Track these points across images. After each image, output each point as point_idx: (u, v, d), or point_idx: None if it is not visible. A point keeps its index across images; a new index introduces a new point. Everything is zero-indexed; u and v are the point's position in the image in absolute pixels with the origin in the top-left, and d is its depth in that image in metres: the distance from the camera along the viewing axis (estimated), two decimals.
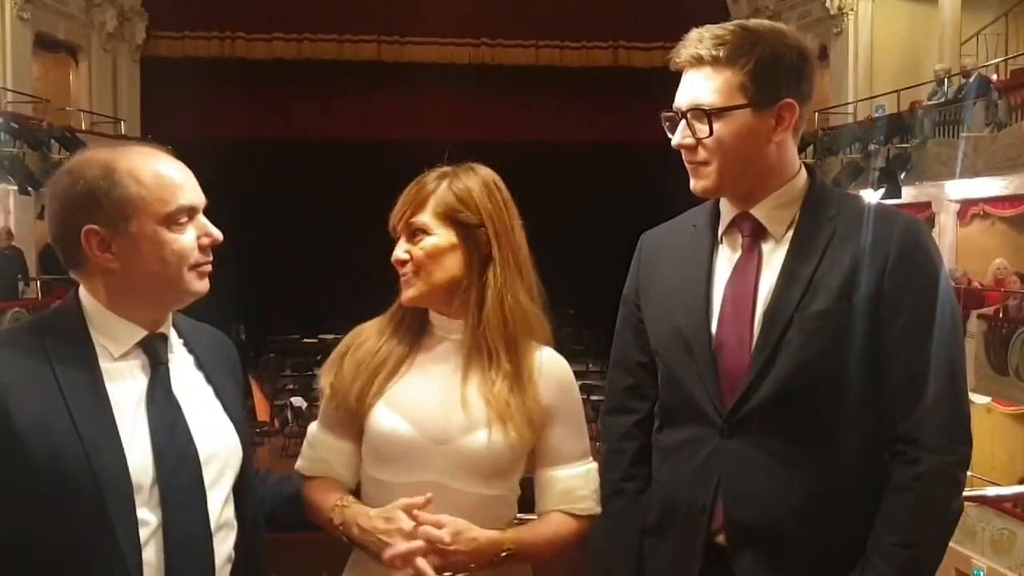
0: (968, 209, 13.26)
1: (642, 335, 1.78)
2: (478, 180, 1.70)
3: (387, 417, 1.67)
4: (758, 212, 1.67)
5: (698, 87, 1.61)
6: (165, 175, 1.50)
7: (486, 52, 18.16)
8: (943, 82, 13.19)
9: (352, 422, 1.72)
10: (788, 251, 1.64)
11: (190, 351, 1.61)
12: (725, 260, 1.70)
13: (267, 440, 13.85)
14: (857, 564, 1.58)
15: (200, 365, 1.61)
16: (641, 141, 11.62)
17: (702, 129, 1.61)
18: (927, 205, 13.38)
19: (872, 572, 1.55)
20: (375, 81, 17.79)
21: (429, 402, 1.66)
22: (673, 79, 1.69)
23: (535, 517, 1.74)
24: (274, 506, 1.78)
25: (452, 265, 1.67)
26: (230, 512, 1.57)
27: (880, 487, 1.59)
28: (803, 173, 1.70)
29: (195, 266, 1.52)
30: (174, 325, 1.59)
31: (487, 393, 1.65)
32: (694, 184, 1.67)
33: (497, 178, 1.73)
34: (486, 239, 1.68)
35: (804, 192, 1.68)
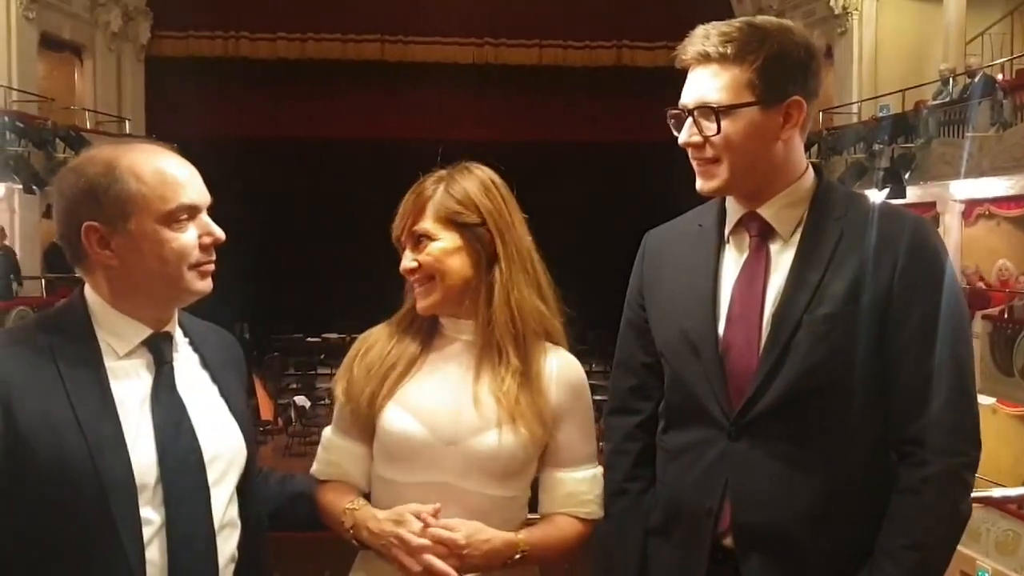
0: (973, 209, 13.22)
1: (646, 336, 1.77)
2: (475, 180, 1.70)
3: (398, 417, 1.66)
4: (766, 212, 1.66)
5: (705, 84, 1.60)
6: (167, 172, 1.49)
7: (489, 52, 18.17)
8: (948, 82, 13.17)
9: (365, 425, 1.71)
10: (796, 252, 1.63)
11: (195, 350, 1.61)
12: (732, 260, 1.69)
13: (270, 439, 13.86)
14: (865, 566, 1.57)
15: (205, 364, 1.61)
16: (645, 141, 11.61)
17: (709, 127, 1.60)
18: (932, 205, 13.35)
19: (880, 574, 1.54)
20: (378, 81, 17.82)
21: (440, 402, 1.66)
22: (677, 79, 1.68)
23: (538, 516, 1.74)
24: (277, 505, 1.77)
25: (461, 267, 1.67)
26: (234, 511, 1.57)
27: (888, 489, 1.58)
28: (810, 172, 1.68)
29: (196, 265, 1.51)
30: (180, 324, 1.59)
31: (497, 391, 1.64)
32: (701, 184, 1.65)
33: (494, 176, 1.73)
34: (489, 238, 1.67)
35: (812, 192, 1.67)
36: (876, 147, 13.52)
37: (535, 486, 1.74)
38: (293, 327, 17.47)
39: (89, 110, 16.04)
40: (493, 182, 1.71)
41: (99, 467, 1.39)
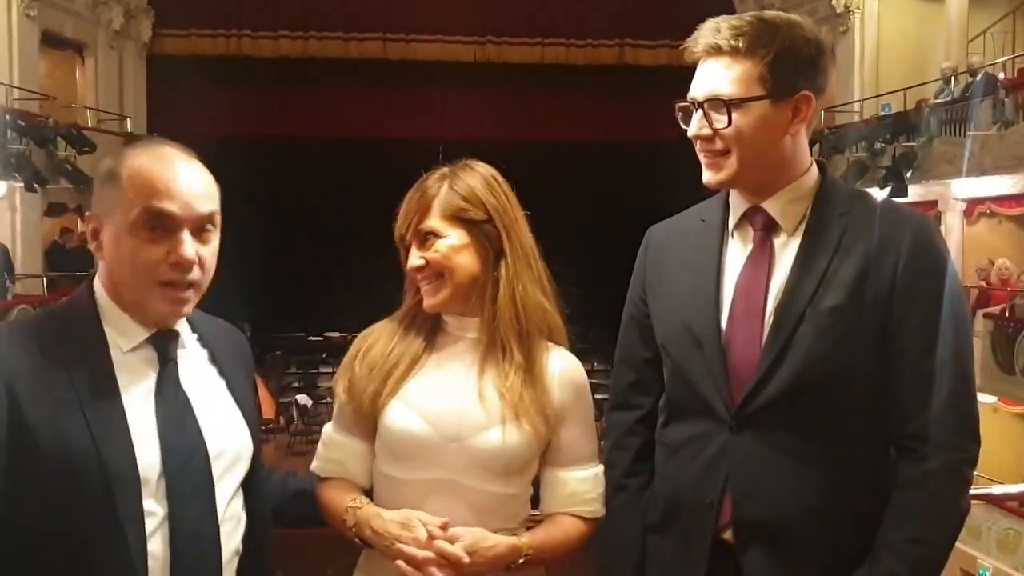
0: (975, 208, 13.20)
1: (647, 331, 1.78)
2: (478, 176, 1.70)
3: (401, 414, 1.66)
4: (771, 206, 1.67)
5: (717, 77, 1.60)
6: (146, 176, 1.43)
7: (492, 50, 18.14)
8: (950, 80, 13.15)
9: (367, 423, 1.71)
10: (800, 246, 1.64)
11: (204, 345, 1.60)
12: (735, 255, 1.69)
13: (272, 437, 13.86)
14: (865, 560, 1.57)
15: (214, 359, 1.60)
16: (647, 139, 11.65)
17: (719, 119, 1.60)
18: (933, 204, 13.34)
19: (881, 568, 1.55)
20: (381, 79, 17.79)
21: (443, 399, 1.66)
22: (680, 77, 1.68)
23: (539, 514, 1.74)
24: (279, 502, 1.77)
25: (469, 264, 1.67)
26: (238, 505, 1.57)
27: (889, 483, 1.58)
28: (814, 168, 1.69)
29: (166, 284, 1.45)
30: (188, 320, 1.57)
31: (501, 387, 1.65)
32: (709, 176, 1.66)
33: (496, 172, 1.73)
34: (496, 234, 1.68)
35: (816, 187, 1.68)
36: (878, 146, 13.50)
37: (536, 484, 1.75)
38: (295, 326, 17.46)
39: (91, 108, 16.02)
40: (495, 179, 1.72)
41: (104, 458, 1.39)
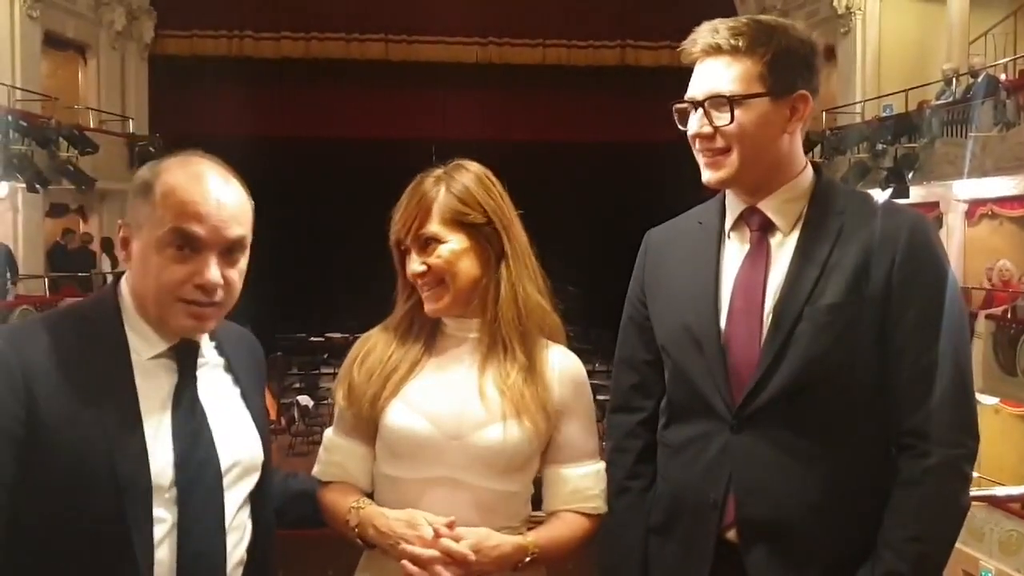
0: (976, 209, 13.21)
1: (647, 333, 1.78)
2: (473, 177, 1.69)
3: (402, 413, 1.66)
4: (767, 206, 1.68)
5: (717, 75, 1.62)
6: (178, 194, 1.42)
7: (493, 51, 18.17)
8: (951, 81, 13.16)
9: (367, 427, 1.71)
10: (797, 245, 1.65)
11: (221, 353, 1.58)
12: (733, 255, 1.70)
13: (274, 438, 13.78)
14: (867, 558, 1.58)
15: (230, 367, 1.59)
16: (648, 140, 11.62)
17: (721, 117, 1.62)
18: (935, 205, 13.34)
19: (883, 566, 1.55)
20: (382, 80, 17.81)
21: (444, 398, 1.66)
22: (681, 78, 1.69)
23: (541, 513, 1.74)
24: (279, 503, 1.77)
25: (470, 268, 1.67)
26: (245, 515, 1.56)
27: (890, 481, 1.59)
28: (809, 169, 1.71)
29: (190, 302, 1.44)
30: None
31: (502, 385, 1.65)
32: (709, 175, 1.67)
33: (489, 172, 1.73)
34: (495, 235, 1.68)
35: (811, 187, 1.69)
36: (879, 147, 13.51)
37: (538, 484, 1.75)
38: (296, 327, 17.46)
39: (93, 109, 16.05)
40: (490, 179, 1.71)
41: (117, 463, 1.38)
